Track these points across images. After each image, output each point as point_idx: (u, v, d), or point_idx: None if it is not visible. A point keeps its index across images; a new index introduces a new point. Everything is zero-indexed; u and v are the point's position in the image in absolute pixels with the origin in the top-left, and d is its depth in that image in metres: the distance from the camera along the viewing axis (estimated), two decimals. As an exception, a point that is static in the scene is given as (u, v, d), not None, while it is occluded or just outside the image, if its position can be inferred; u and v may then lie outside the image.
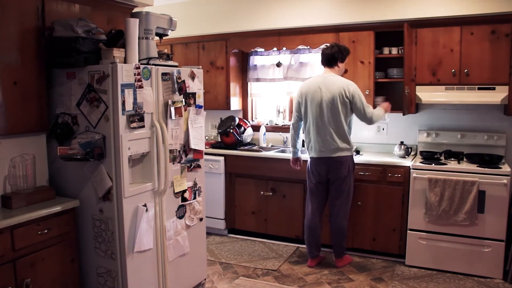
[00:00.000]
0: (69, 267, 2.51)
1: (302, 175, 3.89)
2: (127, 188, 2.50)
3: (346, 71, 3.96)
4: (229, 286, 3.37)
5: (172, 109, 2.77)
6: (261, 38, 4.46)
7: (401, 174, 3.67)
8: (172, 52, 4.83)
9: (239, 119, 4.60)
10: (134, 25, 2.55)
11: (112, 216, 2.50)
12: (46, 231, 2.35)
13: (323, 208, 3.68)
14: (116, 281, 2.54)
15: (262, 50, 4.69)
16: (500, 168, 3.44)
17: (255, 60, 4.86)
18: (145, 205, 2.61)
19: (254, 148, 4.51)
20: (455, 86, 3.66)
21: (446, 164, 3.62)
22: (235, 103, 4.82)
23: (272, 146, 4.67)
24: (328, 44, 3.63)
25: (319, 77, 3.55)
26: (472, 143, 3.89)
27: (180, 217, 2.97)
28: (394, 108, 4.01)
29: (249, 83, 4.95)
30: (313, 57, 4.45)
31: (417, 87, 3.79)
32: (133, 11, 3.13)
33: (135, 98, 2.50)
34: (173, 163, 2.87)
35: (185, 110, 2.92)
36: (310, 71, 4.47)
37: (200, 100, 3.07)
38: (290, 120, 4.78)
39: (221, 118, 4.78)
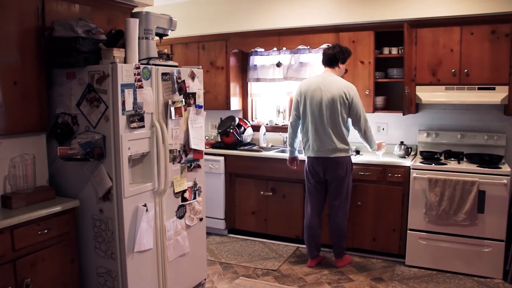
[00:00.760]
0: (69, 267, 2.51)
1: (302, 175, 3.88)
2: (127, 188, 2.50)
3: (346, 71, 3.96)
4: (229, 286, 3.37)
5: (172, 109, 2.77)
6: (261, 38, 4.46)
7: (401, 174, 3.67)
8: (172, 52, 4.83)
9: (239, 119, 4.60)
10: (134, 25, 2.55)
11: (112, 216, 2.50)
12: (46, 231, 2.35)
13: (322, 208, 3.68)
14: (116, 281, 2.54)
15: (262, 50, 4.69)
16: (500, 168, 3.44)
17: (255, 60, 4.86)
18: (145, 205, 2.61)
19: (254, 148, 4.51)
20: (455, 86, 3.66)
21: (446, 164, 3.62)
22: (235, 103, 4.82)
23: (272, 146, 4.67)
24: (330, 44, 3.63)
25: (319, 77, 3.55)
26: (472, 143, 3.89)
27: (180, 217, 2.97)
28: (394, 108, 4.02)
29: (249, 83, 4.95)
30: (313, 57, 4.45)
31: (417, 87, 3.79)
32: (133, 11, 3.13)
33: (135, 98, 2.50)
34: (173, 163, 2.87)
35: (185, 110, 2.92)
36: (310, 71, 4.47)
37: (200, 100, 3.07)
38: (290, 119, 4.78)
39: (221, 118, 4.78)
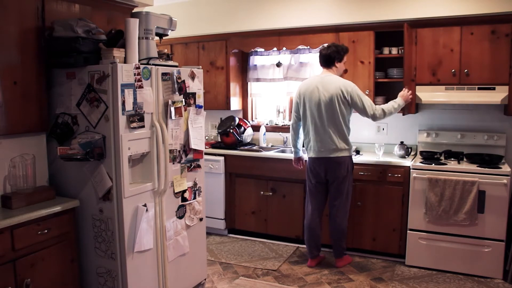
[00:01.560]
0: (69, 267, 2.51)
1: (302, 175, 3.89)
2: (127, 188, 2.50)
3: (346, 71, 3.97)
4: (229, 286, 3.37)
5: (172, 109, 2.77)
6: (261, 38, 4.46)
7: (401, 174, 3.67)
8: (172, 52, 4.83)
9: (239, 119, 4.60)
10: (134, 25, 2.55)
11: (112, 216, 2.50)
12: (46, 231, 2.35)
13: (323, 208, 3.68)
14: (116, 281, 2.54)
15: (262, 50, 4.69)
16: (500, 168, 3.44)
17: (255, 60, 4.86)
18: (145, 205, 2.61)
19: (254, 148, 4.51)
20: (455, 86, 3.66)
21: (446, 164, 3.62)
22: (235, 103, 4.82)
23: (272, 146, 4.67)
24: (325, 45, 3.62)
25: (317, 77, 3.55)
26: (472, 143, 3.89)
27: (180, 217, 2.97)
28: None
29: (249, 83, 4.95)
30: (313, 57, 4.45)
31: (417, 87, 3.79)
32: (133, 11, 3.13)
33: (135, 98, 2.50)
34: (173, 163, 2.87)
35: (185, 110, 2.92)
36: (310, 71, 4.47)
37: (200, 100, 3.07)
38: (290, 120, 4.78)
39: (221, 118, 4.78)
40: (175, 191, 2.90)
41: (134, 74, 2.49)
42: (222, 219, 4.47)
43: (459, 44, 3.62)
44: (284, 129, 4.73)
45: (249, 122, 4.86)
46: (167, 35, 3.03)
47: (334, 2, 4.05)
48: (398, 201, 3.69)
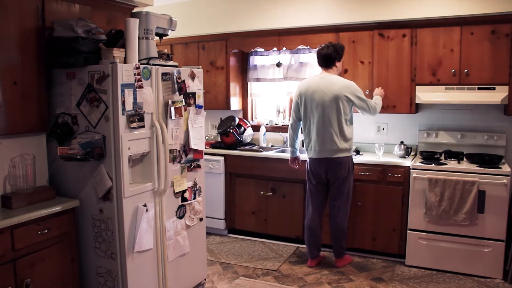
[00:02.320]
0: (69, 267, 2.51)
1: (302, 175, 3.89)
2: (127, 188, 2.50)
3: (346, 71, 3.97)
4: (229, 286, 3.37)
5: (172, 109, 2.77)
6: (261, 38, 4.46)
7: (401, 174, 3.67)
8: (172, 52, 4.83)
9: (239, 119, 4.60)
10: (134, 25, 2.55)
11: (112, 216, 2.50)
12: (46, 231, 2.35)
13: (323, 209, 3.68)
14: (116, 281, 2.54)
15: (262, 50, 4.69)
16: (500, 168, 3.44)
17: (255, 60, 4.86)
18: (145, 205, 2.61)
19: (254, 148, 4.51)
20: (455, 86, 3.66)
21: (446, 164, 3.62)
22: (235, 103, 4.82)
23: (272, 146, 4.67)
24: (323, 45, 3.60)
25: (317, 77, 3.55)
26: (472, 143, 3.89)
27: (180, 217, 2.97)
28: (394, 108, 4.01)
29: (249, 83, 4.95)
30: (313, 57, 4.45)
31: (417, 87, 3.79)
32: (133, 11, 3.13)
33: (135, 98, 2.50)
34: (173, 163, 2.87)
35: (185, 110, 2.92)
36: (310, 71, 4.47)
37: (200, 100, 3.07)
38: (290, 120, 4.78)
39: (221, 118, 4.78)
40: (175, 191, 2.90)
41: (134, 74, 2.49)
42: (222, 219, 4.47)
43: (459, 44, 3.62)
44: (284, 129, 4.73)
45: (249, 122, 4.86)
46: (167, 35, 3.03)
47: (334, 2, 4.05)
48: (398, 201, 3.69)
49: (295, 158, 3.81)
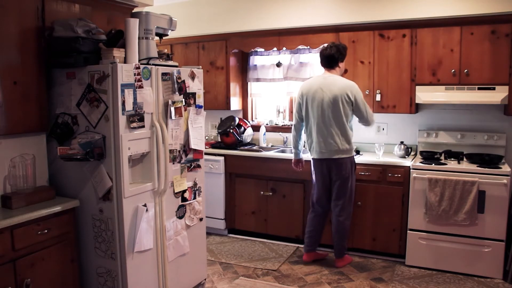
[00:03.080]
0: (69, 267, 2.51)
1: (302, 175, 3.89)
2: (127, 188, 2.50)
3: (346, 71, 3.96)
4: (229, 286, 3.37)
5: (172, 109, 2.77)
6: (261, 38, 4.46)
7: (401, 174, 3.67)
8: (172, 52, 4.83)
9: (239, 119, 4.60)
10: (134, 25, 2.55)
11: (112, 216, 2.50)
12: (46, 231, 2.35)
13: (330, 199, 3.63)
14: (116, 281, 2.54)
15: (262, 50, 4.69)
16: (500, 168, 3.44)
17: (255, 60, 4.86)
18: (145, 205, 2.61)
19: (254, 148, 4.51)
20: (455, 86, 3.66)
21: (446, 164, 3.62)
22: (235, 103, 4.82)
23: (272, 146, 4.67)
24: (326, 45, 3.61)
25: (320, 78, 3.55)
26: (472, 143, 3.90)
27: (180, 217, 2.97)
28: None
29: (249, 83, 4.95)
30: (313, 57, 4.45)
31: (417, 87, 3.79)
32: (133, 11, 3.13)
33: (135, 98, 2.50)
34: (173, 163, 2.87)
35: (185, 110, 2.92)
36: (310, 71, 4.47)
37: (200, 100, 3.07)
38: (290, 120, 4.78)
39: (221, 118, 4.78)
40: (175, 191, 2.90)
41: (134, 74, 2.49)
42: (222, 219, 4.47)
43: (459, 44, 3.62)
44: (284, 129, 4.73)
45: (249, 122, 4.87)
46: (167, 35, 3.03)
47: (334, 2, 4.05)
48: (398, 201, 3.69)
49: (298, 160, 3.79)
